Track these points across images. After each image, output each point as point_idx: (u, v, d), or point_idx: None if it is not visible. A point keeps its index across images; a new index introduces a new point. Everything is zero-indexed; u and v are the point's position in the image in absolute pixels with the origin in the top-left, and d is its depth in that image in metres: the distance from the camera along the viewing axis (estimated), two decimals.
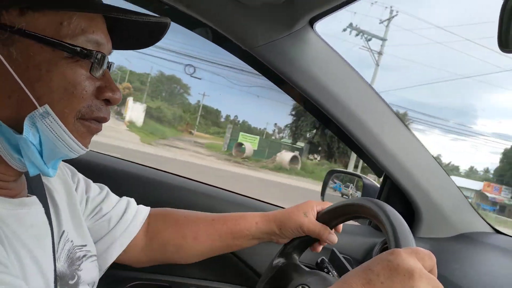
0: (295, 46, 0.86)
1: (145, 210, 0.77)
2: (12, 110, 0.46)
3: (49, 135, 0.47)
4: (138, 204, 0.78)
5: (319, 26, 0.87)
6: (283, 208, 0.80)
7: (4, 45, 0.44)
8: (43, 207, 0.55)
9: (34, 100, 0.45)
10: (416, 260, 0.44)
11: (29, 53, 0.45)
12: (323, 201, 1.21)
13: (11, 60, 0.45)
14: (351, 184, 1.26)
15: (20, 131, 0.45)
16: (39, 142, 0.47)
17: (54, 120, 0.46)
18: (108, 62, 0.52)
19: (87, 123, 0.50)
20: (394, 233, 0.53)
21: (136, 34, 0.56)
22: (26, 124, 0.45)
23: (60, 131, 0.47)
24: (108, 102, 0.52)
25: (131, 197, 0.79)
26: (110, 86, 0.51)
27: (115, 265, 0.72)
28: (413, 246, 0.50)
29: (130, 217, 0.73)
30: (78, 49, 0.47)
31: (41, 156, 0.48)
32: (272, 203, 1.09)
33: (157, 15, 0.52)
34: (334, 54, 0.90)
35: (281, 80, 0.92)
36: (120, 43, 0.57)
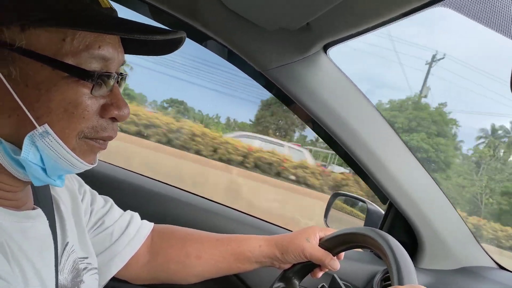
0: (307, 70, 0.87)
1: (148, 226, 0.77)
2: (13, 128, 0.45)
3: (50, 154, 0.46)
4: (142, 217, 0.78)
5: (333, 51, 0.89)
6: (290, 230, 0.80)
7: (4, 63, 0.43)
8: (49, 219, 0.55)
9: (33, 120, 0.44)
10: None
11: (28, 72, 0.44)
12: (326, 223, 1.21)
13: (11, 79, 0.43)
14: None
15: (21, 148, 0.45)
16: (40, 160, 0.46)
17: (54, 139, 0.45)
18: (119, 75, 0.51)
19: (91, 142, 0.49)
20: (397, 269, 0.52)
21: (154, 42, 0.53)
22: (26, 143, 0.44)
23: (61, 150, 0.46)
24: (114, 119, 0.50)
25: (135, 209, 0.79)
26: (116, 103, 0.49)
27: (113, 279, 0.72)
28: (416, 283, 0.50)
29: (133, 231, 0.73)
30: (78, 69, 0.44)
31: (45, 172, 0.47)
32: (279, 225, 1.09)
33: (171, 31, 0.48)
34: (346, 80, 0.91)
35: (291, 101, 0.93)
36: (140, 48, 0.55)
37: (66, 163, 0.47)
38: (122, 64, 0.52)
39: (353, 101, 0.92)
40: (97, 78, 0.46)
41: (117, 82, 0.51)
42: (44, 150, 0.45)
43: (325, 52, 0.87)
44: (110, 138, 0.51)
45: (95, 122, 0.48)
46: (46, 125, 0.44)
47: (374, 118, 0.93)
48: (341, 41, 0.82)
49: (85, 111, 0.47)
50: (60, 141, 0.45)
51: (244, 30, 0.81)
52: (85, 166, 0.49)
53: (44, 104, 0.44)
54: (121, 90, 0.53)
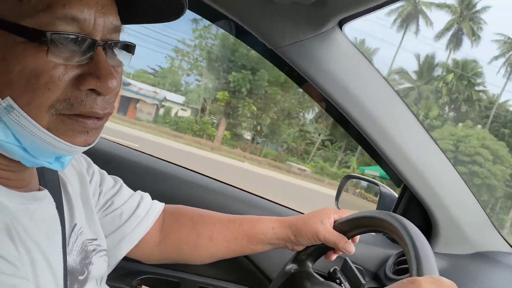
0: (321, 48, 0.83)
1: (159, 206, 0.76)
2: None
3: (22, 132, 0.41)
4: (152, 197, 0.77)
5: (348, 27, 0.84)
6: (301, 213, 0.78)
7: None
8: (56, 200, 0.53)
9: None
10: None
11: None
12: (338, 205, 1.19)
13: None
14: None
15: None
16: (14, 138, 0.42)
17: (22, 115, 0.40)
18: (106, 43, 0.43)
19: (69, 121, 0.43)
20: (417, 259, 0.50)
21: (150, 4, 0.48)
22: None
23: (33, 127, 0.41)
24: (96, 92, 0.43)
25: (145, 190, 0.77)
26: (96, 73, 0.42)
27: (125, 257, 0.71)
28: (436, 274, 0.48)
29: (143, 212, 0.72)
30: (33, 31, 0.38)
31: (27, 152, 0.43)
32: (289, 207, 1.07)
33: None
34: (362, 58, 0.87)
35: (303, 79, 0.90)
36: (140, 16, 0.50)
37: (43, 143, 0.42)
38: (116, 30, 0.46)
39: (368, 80, 0.88)
40: (50, 38, 0.39)
41: (105, 50, 0.44)
42: (14, 127, 0.41)
43: (341, 28, 0.83)
44: (95, 114, 0.44)
45: (68, 94, 0.42)
46: (8, 98, 0.40)
47: (391, 98, 0.89)
48: (358, 16, 0.78)
49: (50, 82, 0.40)
50: (28, 117, 0.40)
51: (256, 5, 0.78)
52: (72, 148, 0.44)
53: (3, 75, 0.40)
54: (126, 61, 0.48)
